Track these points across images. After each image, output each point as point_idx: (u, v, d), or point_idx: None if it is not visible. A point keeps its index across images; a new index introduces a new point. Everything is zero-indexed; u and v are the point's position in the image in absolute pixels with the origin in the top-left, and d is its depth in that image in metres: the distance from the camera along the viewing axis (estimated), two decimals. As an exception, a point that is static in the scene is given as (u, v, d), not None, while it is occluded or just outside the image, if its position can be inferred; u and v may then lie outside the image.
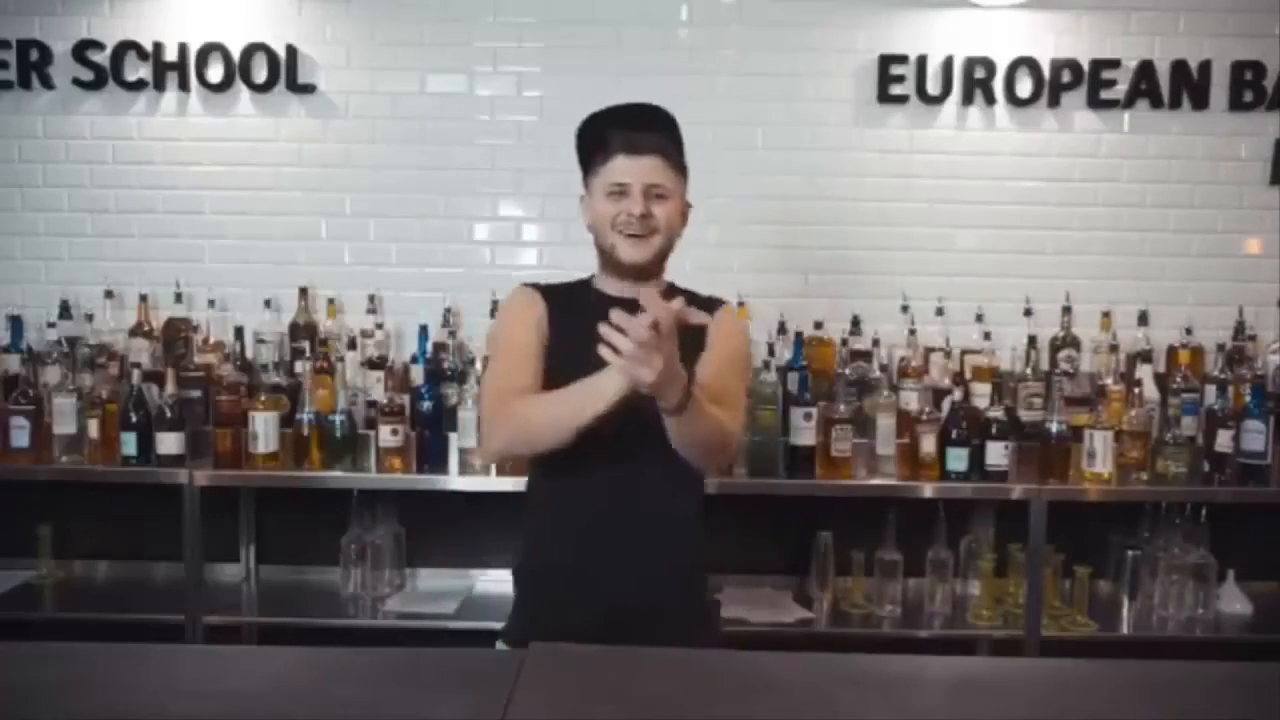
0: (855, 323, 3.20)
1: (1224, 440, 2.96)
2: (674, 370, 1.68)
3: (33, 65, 3.25)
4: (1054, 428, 2.94)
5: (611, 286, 1.98)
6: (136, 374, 2.94)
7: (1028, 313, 3.21)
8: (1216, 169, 3.24)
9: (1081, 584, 3.00)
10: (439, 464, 2.98)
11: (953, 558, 3.04)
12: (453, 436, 2.98)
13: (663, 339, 1.62)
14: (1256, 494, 2.91)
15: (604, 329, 1.63)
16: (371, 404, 3.05)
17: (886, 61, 3.23)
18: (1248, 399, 2.96)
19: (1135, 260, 3.26)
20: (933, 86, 3.23)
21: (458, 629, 2.94)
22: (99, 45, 3.25)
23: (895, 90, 3.23)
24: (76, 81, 3.26)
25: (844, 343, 3.19)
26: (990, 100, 3.23)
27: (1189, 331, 3.19)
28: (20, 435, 2.93)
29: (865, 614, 3.01)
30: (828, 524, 3.04)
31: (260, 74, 3.26)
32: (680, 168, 1.96)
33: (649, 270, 1.96)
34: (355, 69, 3.27)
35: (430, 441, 3.00)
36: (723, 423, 1.85)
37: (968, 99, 3.23)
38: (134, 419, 2.90)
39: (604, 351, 1.63)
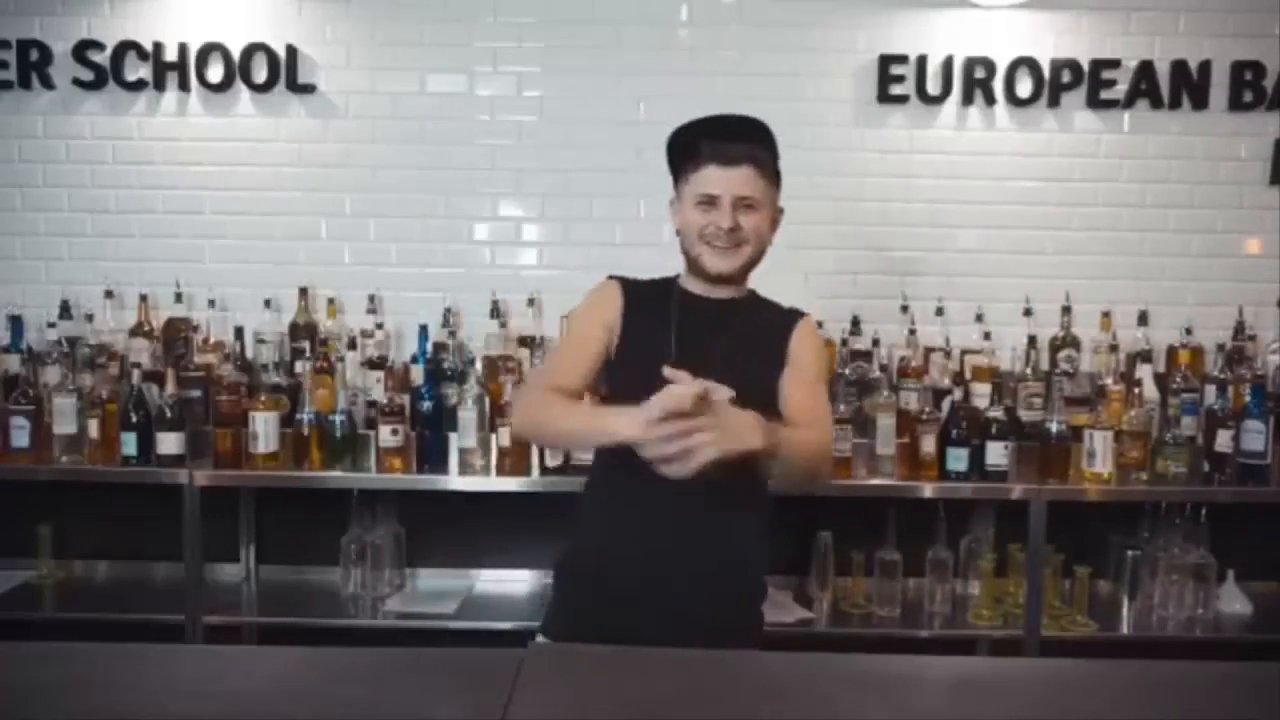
0: (855, 323, 3.20)
1: (1224, 440, 2.95)
2: (740, 436, 1.65)
3: (33, 65, 3.25)
4: (1054, 428, 2.93)
5: (696, 286, 2.00)
6: (136, 374, 2.94)
7: (1028, 313, 3.21)
8: (1216, 169, 3.24)
9: (1081, 584, 2.99)
10: (439, 464, 2.97)
11: (953, 558, 3.04)
12: (453, 436, 2.97)
13: (686, 427, 1.60)
14: (1256, 494, 2.91)
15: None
16: (371, 404, 3.05)
17: (886, 61, 3.23)
18: (1247, 399, 2.96)
19: (1135, 260, 3.26)
20: (933, 86, 3.23)
21: (458, 629, 2.93)
22: (99, 45, 3.25)
23: (895, 90, 3.23)
24: (76, 81, 3.26)
25: (844, 342, 3.19)
26: (990, 100, 3.23)
27: (1189, 331, 3.19)
28: (20, 435, 2.92)
29: (865, 614, 3.01)
30: (828, 524, 3.04)
31: (260, 74, 3.26)
32: (773, 176, 1.95)
33: (733, 279, 1.98)
34: (355, 69, 3.27)
35: (430, 441, 2.99)
36: (820, 443, 1.88)
37: (968, 99, 3.23)
38: (134, 419, 2.89)
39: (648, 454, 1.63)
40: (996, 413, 2.95)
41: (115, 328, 3.24)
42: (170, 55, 3.25)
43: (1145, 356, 3.10)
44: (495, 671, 1.40)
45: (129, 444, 2.90)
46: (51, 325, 3.19)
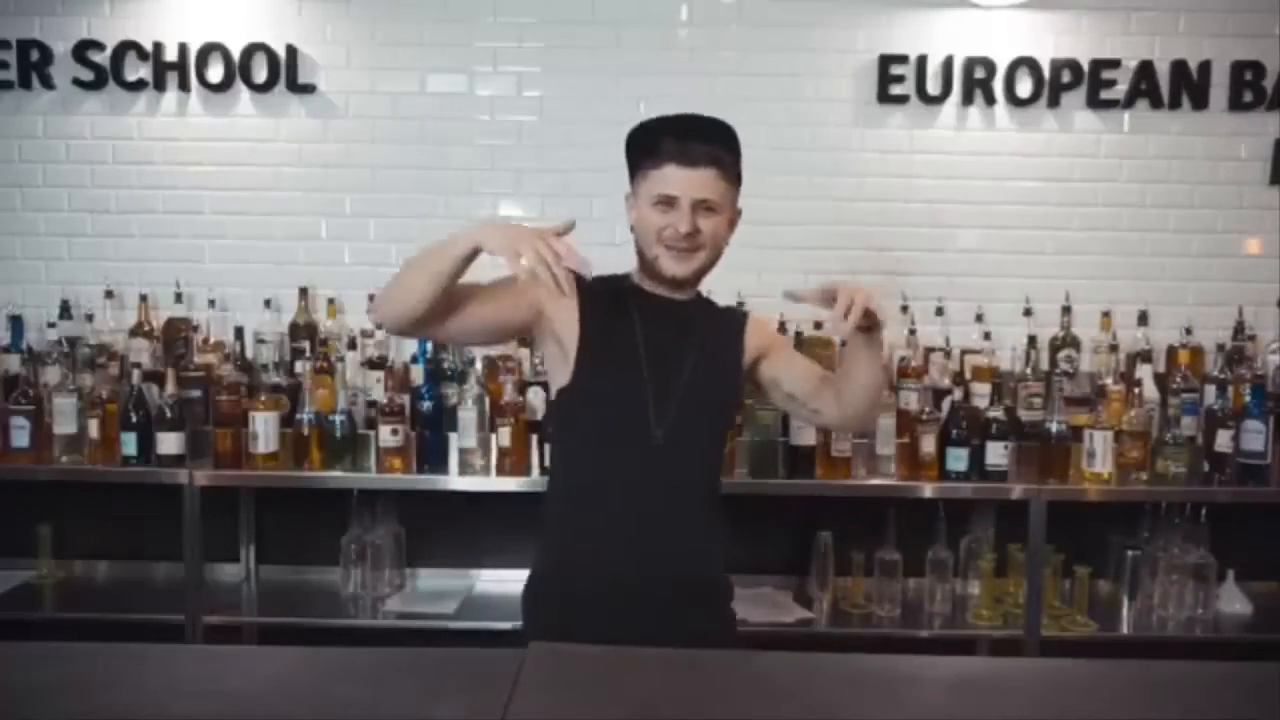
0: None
1: (1224, 440, 2.95)
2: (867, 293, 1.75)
3: (33, 65, 3.25)
4: (1054, 428, 2.94)
5: (652, 287, 1.97)
6: (136, 374, 2.94)
7: (1028, 313, 3.21)
8: (1216, 169, 3.24)
9: (1081, 584, 3.00)
10: (439, 464, 2.97)
11: (952, 558, 3.05)
12: (452, 436, 2.97)
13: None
14: (1256, 494, 2.91)
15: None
16: (371, 404, 3.05)
17: (886, 61, 3.23)
18: (1247, 399, 2.96)
19: (1135, 260, 3.26)
20: (933, 86, 3.23)
21: (458, 629, 2.94)
22: (99, 45, 3.25)
23: (895, 90, 3.23)
24: (76, 81, 3.26)
25: (843, 343, 3.17)
26: (990, 100, 3.23)
27: (1189, 331, 3.19)
28: (20, 435, 2.93)
29: (865, 614, 3.01)
30: (828, 524, 3.04)
31: (260, 74, 3.26)
32: (734, 178, 1.90)
33: (688, 283, 1.94)
34: (355, 69, 3.27)
35: (430, 441, 2.99)
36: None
37: (968, 99, 3.23)
38: (134, 419, 2.90)
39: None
40: (996, 413, 2.95)
41: (115, 328, 3.24)
42: (170, 55, 3.25)
43: (1145, 356, 3.10)
44: (495, 671, 1.40)
45: (129, 444, 2.90)
46: (52, 325, 3.19)
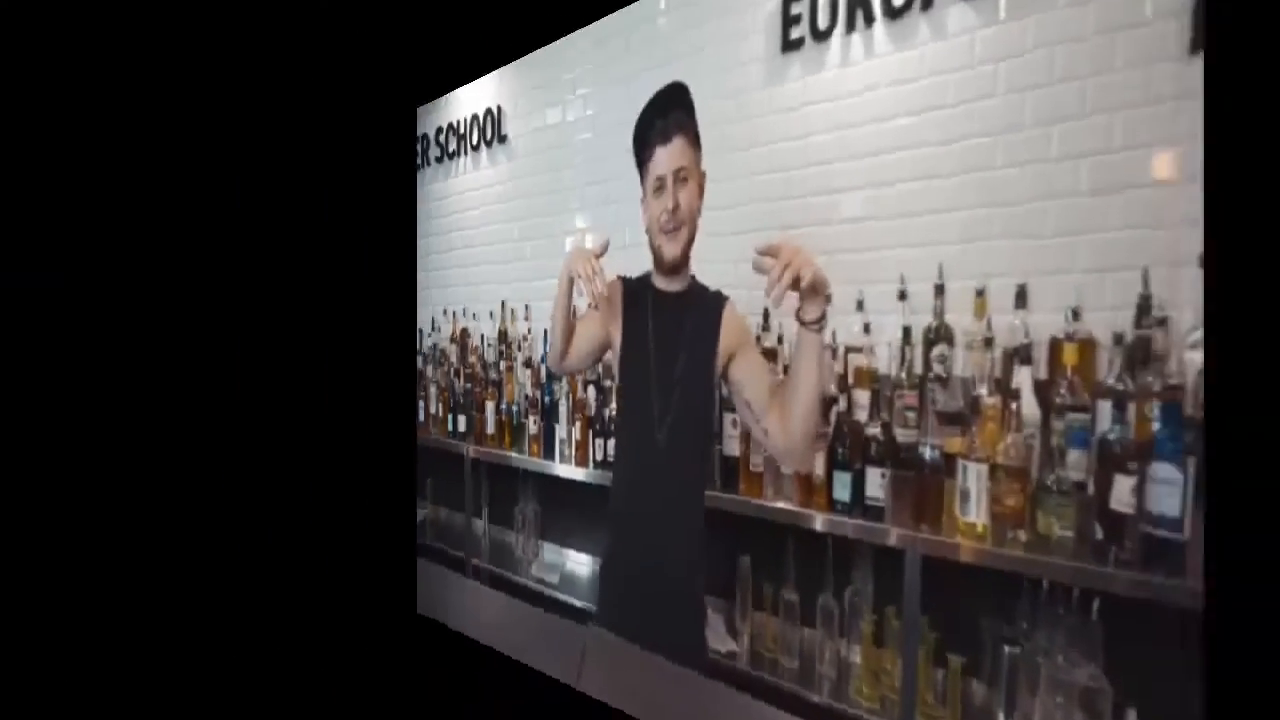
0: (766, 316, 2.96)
1: (1122, 492, 2.09)
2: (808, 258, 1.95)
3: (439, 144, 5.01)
4: (927, 454, 2.47)
5: (660, 281, 2.24)
6: (452, 371, 4.52)
7: (902, 295, 2.54)
8: (1113, 47, 2.08)
9: (954, 678, 2.44)
10: (550, 452, 3.84)
11: (838, 609, 2.73)
12: (556, 428, 3.81)
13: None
14: (1166, 590, 2.00)
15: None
16: (526, 398, 4.06)
17: (787, 2, 2.88)
18: (1156, 425, 2.03)
19: (1011, 211, 2.29)
20: (823, 20, 2.77)
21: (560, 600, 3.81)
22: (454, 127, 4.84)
23: (794, 34, 2.86)
24: (441, 154, 4.90)
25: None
26: (870, 19, 2.63)
27: (1075, 315, 2.16)
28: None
29: (773, 658, 2.91)
30: (747, 547, 2.99)
31: (487, 134, 4.44)
32: (696, 139, 2.03)
33: (679, 264, 2.17)
34: (519, 116, 4.21)
35: (546, 431, 3.88)
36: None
37: (850, 25, 2.68)
38: (450, 404, 4.50)
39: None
40: (874, 430, 2.62)
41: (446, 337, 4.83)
42: (463, 128, 4.66)
43: (1024, 355, 2.26)
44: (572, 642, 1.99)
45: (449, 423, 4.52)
46: (428, 335, 4.94)
